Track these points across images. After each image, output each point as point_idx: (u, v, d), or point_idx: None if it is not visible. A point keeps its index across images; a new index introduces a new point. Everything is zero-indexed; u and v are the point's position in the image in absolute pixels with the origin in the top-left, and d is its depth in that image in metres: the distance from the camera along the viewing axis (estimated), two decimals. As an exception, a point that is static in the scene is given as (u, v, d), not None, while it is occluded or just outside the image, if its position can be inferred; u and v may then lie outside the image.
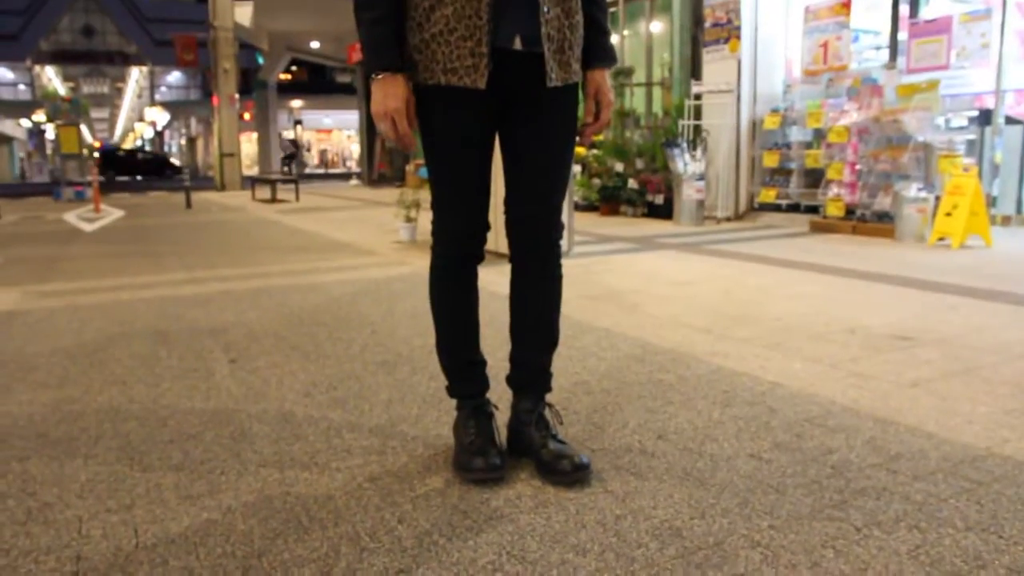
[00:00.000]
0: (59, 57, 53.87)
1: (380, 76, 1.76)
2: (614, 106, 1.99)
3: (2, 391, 2.73)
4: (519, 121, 1.87)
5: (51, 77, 56.27)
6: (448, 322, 1.99)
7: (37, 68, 53.66)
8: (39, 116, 37.97)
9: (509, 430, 2.02)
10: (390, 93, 1.76)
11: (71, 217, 11.89)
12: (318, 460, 2.03)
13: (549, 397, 2.04)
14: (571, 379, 2.65)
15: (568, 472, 1.83)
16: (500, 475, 1.86)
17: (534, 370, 2.01)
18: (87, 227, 10.07)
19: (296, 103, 43.94)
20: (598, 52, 1.92)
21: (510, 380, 2.05)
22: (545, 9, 1.77)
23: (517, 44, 1.78)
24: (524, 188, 1.89)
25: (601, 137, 10.29)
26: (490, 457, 1.85)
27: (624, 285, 4.57)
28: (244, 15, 23.48)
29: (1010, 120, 7.08)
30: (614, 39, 10.55)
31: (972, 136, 7.00)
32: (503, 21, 1.75)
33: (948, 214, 6.10)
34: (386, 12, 1.76)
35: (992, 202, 6.97)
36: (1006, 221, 7.03)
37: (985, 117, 7.06)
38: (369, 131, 23.69)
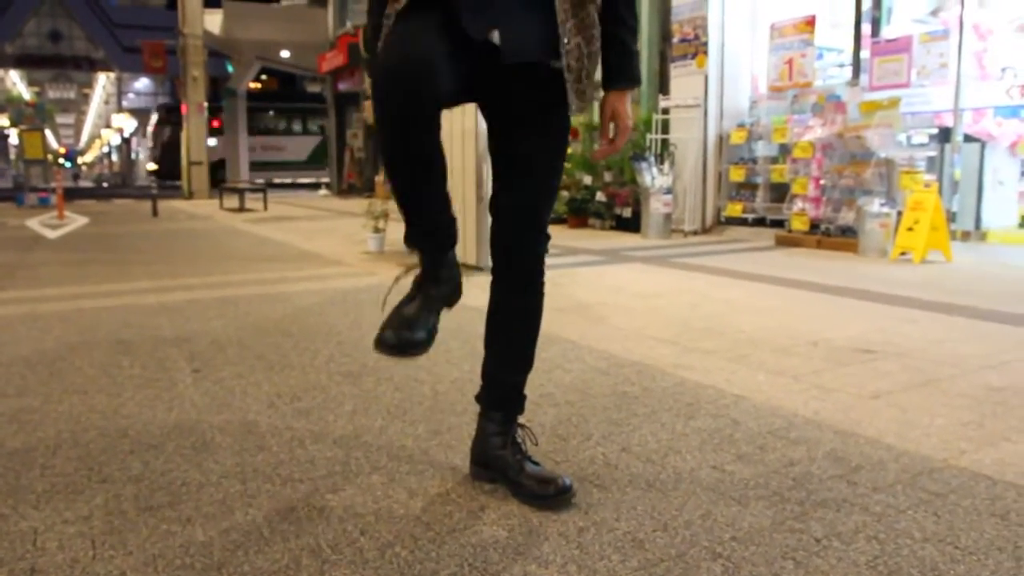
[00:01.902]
0: (24, 61, 53.01)
1: None
2: (629, 129, 1.86)
3: (-43, 401, 2.67)
4: (518, 130, 1.83)
5: (15, 81, 55.33)
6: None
7: (1, 72, 52.73)
8: (2, 120, 37.35)
9: (474, 446, 1.96)
10: None
11: (34, 223, 11.68)
12: (281, 471, 2.01)
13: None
14: (536, 391, 2.65)
15: (553, 496, 1.79)
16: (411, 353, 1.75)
17: (507, 389, 1.94)
18: (50, 234, 9.90)
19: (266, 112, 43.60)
20: (618, 73, 1.84)
21: (480, 397, 1.97)
22: (565, 40, 1.72)
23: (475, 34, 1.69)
24: (514, 195, 1.84)
25: (571, 150, 10.35)
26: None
27: (591, 297, 4.60)
28: (214, 23, 23.33)
29: (968, 138, 7.24)
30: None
31: (932, 153, 7.14)
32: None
33: (910, 229, 6.21)
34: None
35: (952, 217, 7.11)
36: (965, 236, 7.18)
37: (945, 135, 7.21)
38: (339, 141, 23.58)
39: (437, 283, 1.79)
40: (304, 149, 36.95)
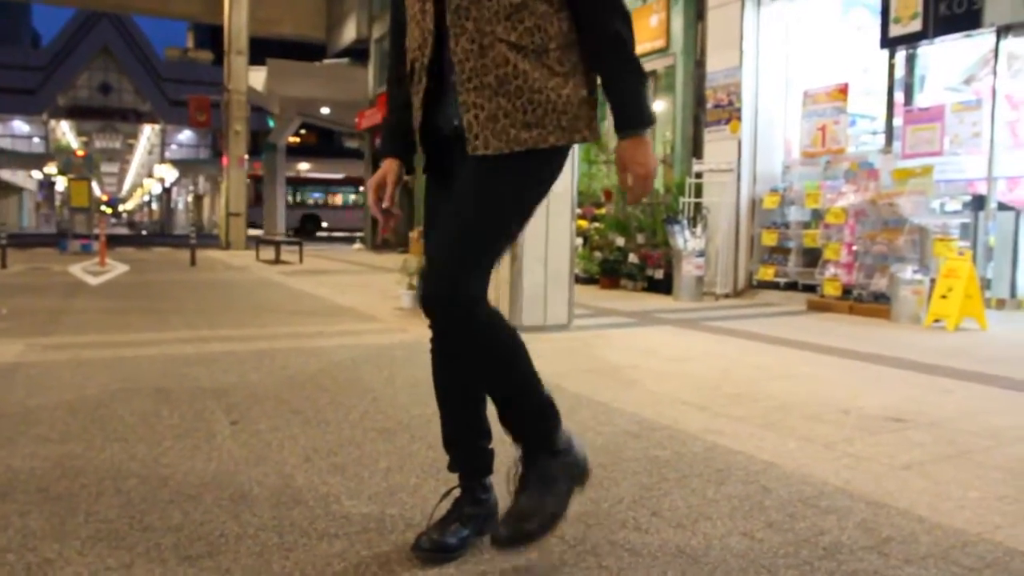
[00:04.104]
0: (74, 112, 54.98)
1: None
2: (649, 176, 1.77)
3: (5, 444, 2.76)
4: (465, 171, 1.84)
5: (65, 131, 57.25)
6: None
7: (52, 122, 54.64)
8: (50, 168, 38.56)
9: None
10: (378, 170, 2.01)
11: (76, 270, 12.00)
12: (317, 526, 2.05)
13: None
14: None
15: (500, 537, 1.76)
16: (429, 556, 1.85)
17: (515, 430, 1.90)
18: (92, 280, 10.16)
19: (303, 166, 44.61)
20: (618, 120, 1.78)
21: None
22: (462, 76, 1.75)
23: (446, 129, 1.85)
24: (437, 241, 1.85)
25: (603, 211, 10.47)
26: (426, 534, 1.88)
27: (622, 360, 4.62)
28: (258, 80, 24.07)
29: (1003, 206, 7.23)
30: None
31: (966, 220, 7.14)
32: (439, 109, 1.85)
33: (943, 296, 6.18)
34: (392, 105, 2.01)
35: (987, 285, 7.06)
36: (1000, 304, 7.11)
37: (979, 202, 7.21)
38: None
39: (477, 524, 1.93)
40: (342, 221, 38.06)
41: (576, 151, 7.26)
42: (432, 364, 1.98)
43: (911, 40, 7.51)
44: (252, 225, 35.02)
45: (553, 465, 1.82)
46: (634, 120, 1.77)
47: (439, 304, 1.75)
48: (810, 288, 8.07)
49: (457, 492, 1.95)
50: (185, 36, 67.55)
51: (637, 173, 1.76)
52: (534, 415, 1.85)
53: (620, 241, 9.58)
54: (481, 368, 1.86)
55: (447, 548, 1.85)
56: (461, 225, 1.75)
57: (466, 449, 1.97)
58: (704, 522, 2.11)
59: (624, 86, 1.77)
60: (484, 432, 1.96)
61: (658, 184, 10.48)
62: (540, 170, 1.81)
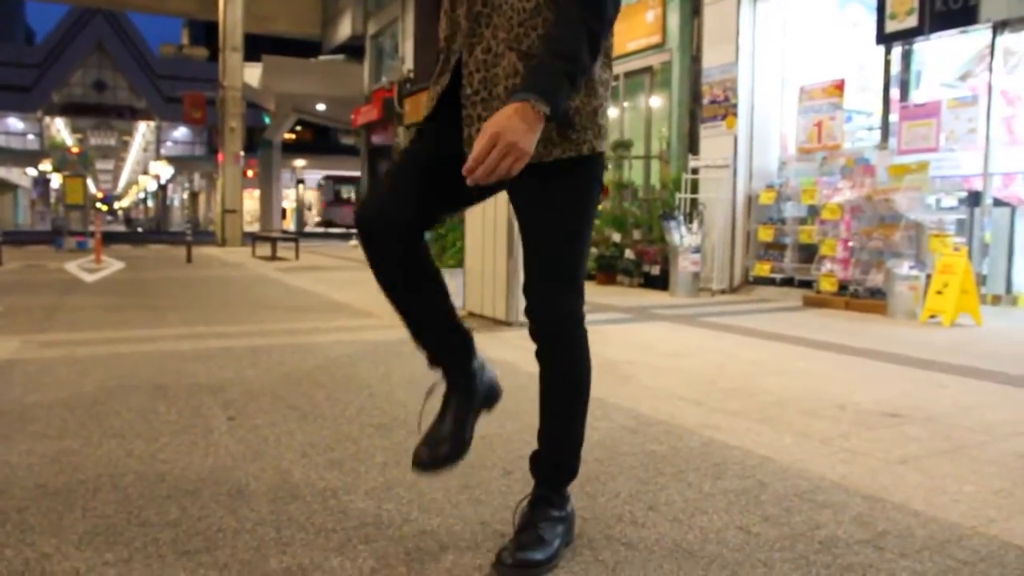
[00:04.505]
0: (69, 109, 54.81)
1: None
2: (505, 145, 1.52)
3: (2, 440, 2.75)
4: (512, 202, 1.86)
5: (60, 128, 57.10)
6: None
7: (47, 119, 54.50)
8: (45, 166, 38.48)
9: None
10: None
11: (72, 267, 11.98)
12: (314, 521, 2.06)
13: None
14: (565, 447, 2.68)
15: (505, 563, 1.75)
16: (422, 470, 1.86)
17: (542, 452, 1.91)
18: (88, 277, 10.14)
19: (299, 162, 44.56)
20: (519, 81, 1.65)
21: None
22: (468, 90, 1.72)
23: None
24: (524, 268, 1.85)
25: (601, 207, 10.47)
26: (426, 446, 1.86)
27: (619, 355, 4.63)
28: (253, 76, 24.03)
29: (998, 202, 7.25)
30: (612, 112, 10.83)
31: (962, 216, 7.16)
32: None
33: (939, 292, 6.20)
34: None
35: (982, 281, 7.08)
36: (996, 300, 7.13)
37: (974, 198, 7.23)
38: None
39: (467, 395, 1.91)
40: None
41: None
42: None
43: (907, 36, 7.52)
44: (330, 224, 36.65)
45: (556, 516, 1.85)
46: (528, 85, 1.57)
47: (540, 318, 1.81)
48: (806, 284, 8.09)
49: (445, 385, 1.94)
50: (180, 33, 67.35)
51: (492, 131, 1.52)
52: (573, 449, 1.91)
53: (616, 237, 9.58)
54: (564, 382, 1.87)
55: (451, 459, 1.86)
56: (543, 239, 1.78)
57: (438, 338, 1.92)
58: (700, 516, 2.12)
59: (544, 60, 1.60)
60: (450, 319, 1.91)
61: (654, 180, 10.50)
62: (572, 181, 1.77)
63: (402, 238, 1.76)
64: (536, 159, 1.66)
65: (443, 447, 1.85)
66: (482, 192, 1.80)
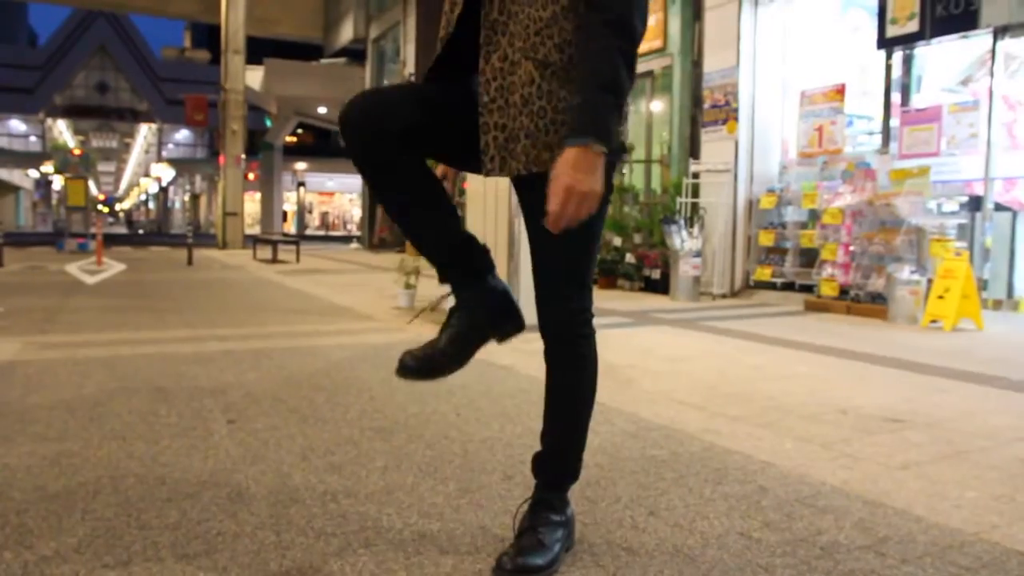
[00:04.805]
0: (71, 111, 54.91)
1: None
2: (581, 196, 1.55)
3: (2, 442, 2.75)
4: (522, 207, 1.86)
5: (62, 130, 57.18)
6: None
7: (49, 121, 54.59)
8: (47, 167, 38.54)
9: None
10: None
11: (73, 269, 11.98)
12: (314, 524, 2.05)
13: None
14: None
15: (505, 568, 1.75)
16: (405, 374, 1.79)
17: (545, 452, 1.91)
18: (89, 279, 10.15)
19: (300, 165, 44.62)
20: (570, 125, 1.63)
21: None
22: (485, 98, 1.72)
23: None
24: (532, 271, 1.86)
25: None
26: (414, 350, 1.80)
27: (620, 360, 4.62)
28: (255, 79, 24.07)
29: (999, 207, 7.24)
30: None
31: (963, 221, 7.16)
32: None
33: (940, 297, 6.19)
34: None
35: (983, 286, 7.08)
36: (997, 305, 7.13)
37: (975, 203, 7.23)
38: (371, 195, 23.97)
39: (469, 312, 1.83)
40: None
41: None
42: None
43: (908, 41, 7.52)
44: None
45: (556, 521, 1.85)
46: (585, 128, 1.57)
47: (550, 321, 1.81)
48: (807, 288, 8.09)
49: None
50: (182, 35, 67.43)
51: (565, 184, 1.54)
52: (577, 450, 1.91)
53: (617, 241, 9.58)
54: (571, 384, 1.86)
55: (436, 368, 1.80)
56: (550, 247, 1.76)
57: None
58: (701, 521, 2.12)
59: (590, 94, 1.60)
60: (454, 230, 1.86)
61: (655, 184, 10.50)
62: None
63: (388, 140, 1.70)
64: (553, 165, 1.65)
65: (434, 358, 1.78)
66: (464, 164, 1.87)
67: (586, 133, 1.56)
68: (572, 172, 1.54)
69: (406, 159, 1.73)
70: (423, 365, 1.78)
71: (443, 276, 1.86)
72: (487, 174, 1.74)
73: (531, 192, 1.75)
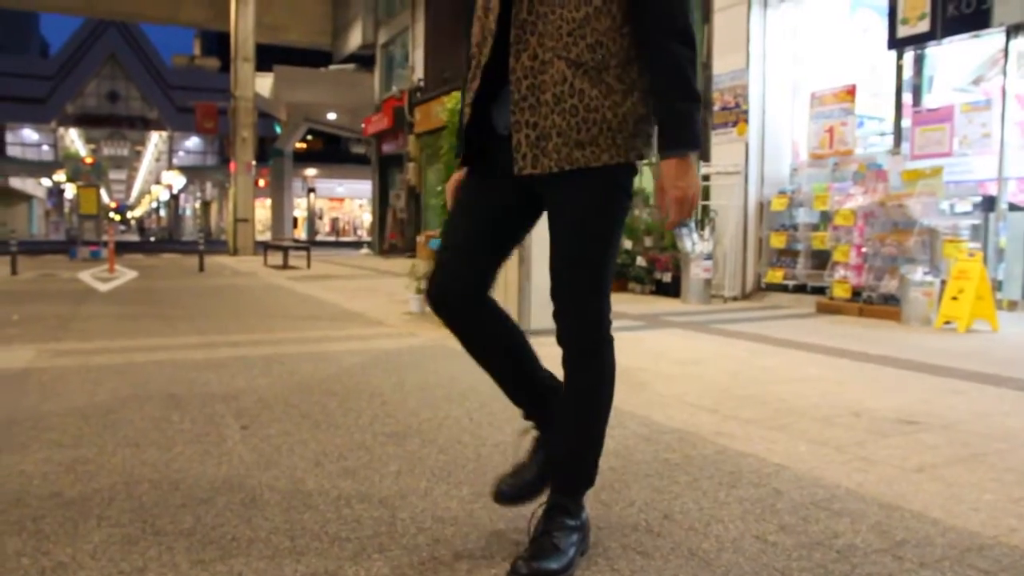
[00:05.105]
0: (83, 120, 55.31)
1: None
2: (686, 200, 1.75)
3: (18, 449, 2.77)
4: (547, 208, 1.87)
5: (74, 139, 57.59)
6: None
7: (61, 130, 54.98)
8: (59, 176, 38.79)
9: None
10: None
11: (86, 276, 12.05)
12: (328, 530, 2.05)
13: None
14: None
15: (520, 572, 1.74)
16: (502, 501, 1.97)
17: (560, 458, 1.92)
18: (101, 287, 10.20)
19: (310, 171, 44.77)
20: (660, 137, 1.77)
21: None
22: (516, 95, 1.75)
23: (501, 129, 1.83)
24: (551, 274, 1.87)
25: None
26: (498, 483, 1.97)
27: (632, 363, 4.61)
28: (264, 86, 24.19)
29: (1013, 207, 7.19)
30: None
31: (976, 221, 7.11)
32: (496, 107, 1.84)
33: (954, 298, 6.15)
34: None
35: (998, 287, 7.03)
36: (1012, 306, 7.07)
37: (989, 203, 7.18)
38: (381, 201, 24.06)
39: (548, 450, 1.97)
40: None
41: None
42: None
43: (919, 41, 7.49)
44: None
45: (571, 525, 1.85)
46: (679, 140, 1.74)
47: (566, 328, 1.84)
48: (819, 290, 8.05)
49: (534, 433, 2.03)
50: (192, 43, 67.85)
51: (675, 196, 1.74)
52: (592, 456, 1.92)
53: (628, 244, 9.57)
54: (588, 389, 1.88)
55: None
56: (572, 253, 1.81)
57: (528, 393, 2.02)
58: (716, 525, 2.11)
59: (675, 106, 1.73)
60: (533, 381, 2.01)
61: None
62: (609, 188, 1.79)
63: (477, 303, 1.89)
64: (584, 163, 1.74)
65: (524, 489, 1.95)
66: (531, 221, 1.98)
67: (680, 145, 1.73)
68: (676, 182, 1.73)
69: (493, 313, 1.92)
70: (517, 493, 1.96)
71: (527, 416, 2.03)
72: (519, 172, 1.76)
73: (555, 191, 1.79)
